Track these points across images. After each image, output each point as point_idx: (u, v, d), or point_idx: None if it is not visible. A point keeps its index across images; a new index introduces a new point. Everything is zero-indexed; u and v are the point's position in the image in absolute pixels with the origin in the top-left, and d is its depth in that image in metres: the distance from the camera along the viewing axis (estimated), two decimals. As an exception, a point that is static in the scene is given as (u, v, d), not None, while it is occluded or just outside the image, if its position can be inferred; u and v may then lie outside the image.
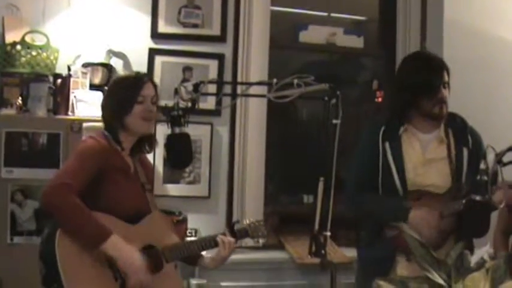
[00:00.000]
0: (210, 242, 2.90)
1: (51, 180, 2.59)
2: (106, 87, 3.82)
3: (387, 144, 3.05)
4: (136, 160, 2.90)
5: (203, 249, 2.92)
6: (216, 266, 2.98)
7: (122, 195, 2.72)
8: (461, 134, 3.06)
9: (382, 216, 3.04)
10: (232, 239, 2.91)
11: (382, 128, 3.08)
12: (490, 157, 2.63)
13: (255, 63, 4.23)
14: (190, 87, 2.52)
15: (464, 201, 2.83)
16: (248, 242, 4.15)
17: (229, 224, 3.43)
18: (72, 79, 3.75)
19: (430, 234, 2.85)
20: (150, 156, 2.98)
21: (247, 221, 3.08)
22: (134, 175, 2.85)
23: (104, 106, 2.89)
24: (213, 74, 4.17)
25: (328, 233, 2.31)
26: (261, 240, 3.03)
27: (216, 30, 4.25)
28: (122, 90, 2.82)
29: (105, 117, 2.86)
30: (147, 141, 2.90)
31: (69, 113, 3.71)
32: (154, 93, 2.85)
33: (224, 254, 2.90)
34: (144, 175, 2.91)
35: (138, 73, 2.98)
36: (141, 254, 2.66)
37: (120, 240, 2.57)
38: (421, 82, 2.99)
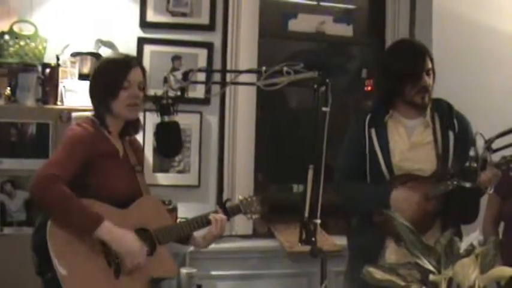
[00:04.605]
0: (202, 221, 2.90)
1: (39, 171, 2.56)
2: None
3: (373, 131, 3.07)
4: (126, 142, 2.88)
5: (195, 229, 2.92)
6: (207, 245, 3.00)
7: (112, 181, 2.70)
8: (447, 118, 3.08)
9: (367, 203, 3.05)
10: (224, 216, 2.93)
11: (368, 116, 3.10)
12: (479, 144, 2.65)
13: (244, 51, 4.22)
14: (179, 76, 2.52)
15: (450, 182, 2.83)
16: (238, 230, 4.21)
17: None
18: (60, 69, 3.73)
19: (412, 215, 2.84)
20: (139, 138, 2.99)
21: (240, 197, 3.07)
22: (124, 159, 2.83)
23: (91, 89, 2.83)
24: (202, 62, 4.16)
25: (318, 221, 2.32)
26: (254, 216, 3.01)
27: (205, 19, 4.23)
28: (108, 75, 2.77)
29: (92, 101, 2.83)
30: (132, 125, 2.87)
31: (58, 102, 3.70)
32: (141, 78, 2.79)
33: (216, 232, 2.90)
34: (134, 157, 2.89)
35: (126, 56, 2.89)
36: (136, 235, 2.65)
37: (112, 225, 2.56)
38: (403, 68, 2.99)
